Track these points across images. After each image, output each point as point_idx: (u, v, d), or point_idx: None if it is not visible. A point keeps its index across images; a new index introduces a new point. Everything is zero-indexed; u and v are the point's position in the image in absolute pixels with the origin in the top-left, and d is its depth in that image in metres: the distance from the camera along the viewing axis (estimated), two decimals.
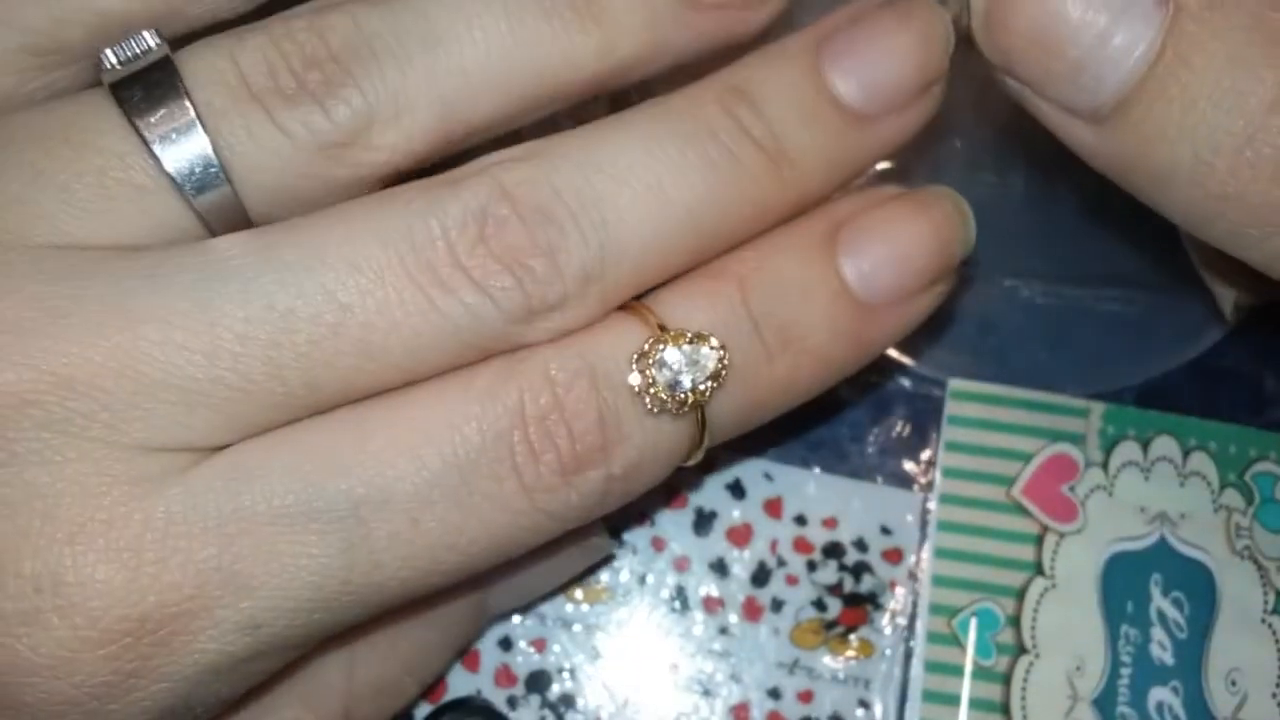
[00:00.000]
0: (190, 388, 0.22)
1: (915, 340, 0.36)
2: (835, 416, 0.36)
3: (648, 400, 0.25)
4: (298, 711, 0.27)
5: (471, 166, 0.24)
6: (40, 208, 0.22)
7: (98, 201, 0.23)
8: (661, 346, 0.25)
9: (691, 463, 0.27)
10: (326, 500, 0.23)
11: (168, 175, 0.23)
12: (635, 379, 0.25)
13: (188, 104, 0.23)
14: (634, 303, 0.25)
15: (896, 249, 0.26)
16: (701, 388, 0.25)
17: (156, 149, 0.23)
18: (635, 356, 0.25)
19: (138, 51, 0.23)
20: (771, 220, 0.26)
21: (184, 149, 0.23)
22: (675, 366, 0.25)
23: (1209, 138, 0.23)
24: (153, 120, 0.23)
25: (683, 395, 0.25)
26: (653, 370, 0.25)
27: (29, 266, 0.22)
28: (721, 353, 0.25)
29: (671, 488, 0.35)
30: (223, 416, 0.23)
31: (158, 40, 0.24)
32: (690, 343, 0.25)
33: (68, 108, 0.24)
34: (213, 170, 0.23)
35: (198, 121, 0.23)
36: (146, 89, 0.23)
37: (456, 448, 0.23)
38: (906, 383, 0.36)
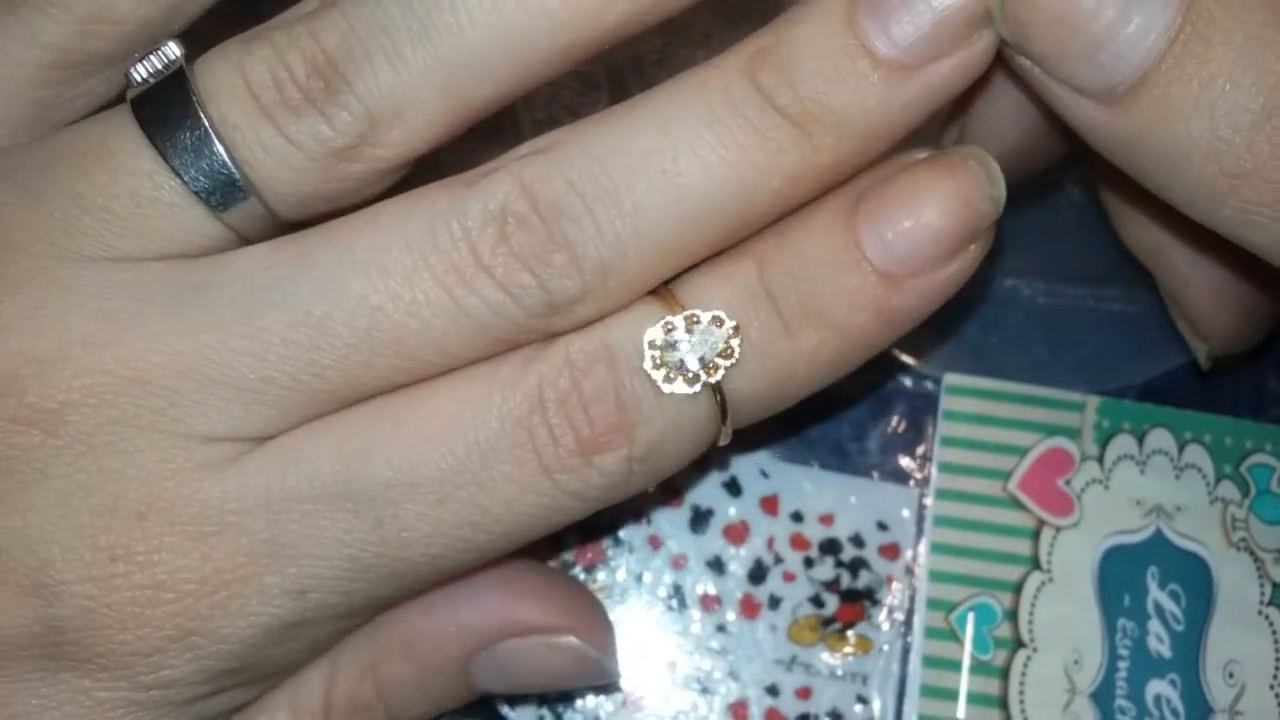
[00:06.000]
0: (244, 386, 0.24)
1: (917, 340, 0.36)
2: (831, 413, 0.36)
3: (661, 381, 0.25)
4: (286, 713, 0.28)
5: (494, 164, 0.25)
6: (86, 227, 0.25)
7: (135, 220, 0.25)
8: (672, 327, 0.25)
9: (722, 442, 0.27)
10: (360, 482, 0.25)
11: (200, 198, 0.25)
12: (650, 361, 0.25)
13: (204, 122, 0.24)
14: (658, 285, 0.26)
15: (918, 215, 0.25)
16: (712, 366, 0.25)
17: (179, 168, 0.24)
18: (649, 339, 0.25)
19: (159, 67, 0.25)
20: (806, 191, 0.25)
21: (204, 167, 0.24)
22: (684, 346, 0.25)
23: (1228, 114, 0.23)
24: (173, 139, 0.24)
25: (692, 374, 0.25)
26: (665, 352, 0.25)
27: (92, 281, 0.24)
28: (731, 331, 0.25)
29: (669, 485, 0.35)
30: (274, 410, 0.25)
31: (177, 52, 0.25)
32: (700, 323, 0.25)
33: (98, 128, 0.25)
34: (236, 184, 0.24)
35: (215, 140, 0.24)
36: (165, 107, 0.24)
37: (479, 433, 0.25)
38: (903, 378, 0.36)
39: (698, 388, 0.25)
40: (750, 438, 0.35)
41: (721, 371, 0.25)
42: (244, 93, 0.24)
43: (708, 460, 0.35)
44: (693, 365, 0.25)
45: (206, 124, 0.24)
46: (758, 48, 0.25)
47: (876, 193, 0.25)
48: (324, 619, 0.26)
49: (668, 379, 0.25)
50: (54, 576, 0.24)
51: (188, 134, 0.24)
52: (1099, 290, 0.36)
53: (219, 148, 0.24)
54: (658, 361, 0.25)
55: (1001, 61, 0.28)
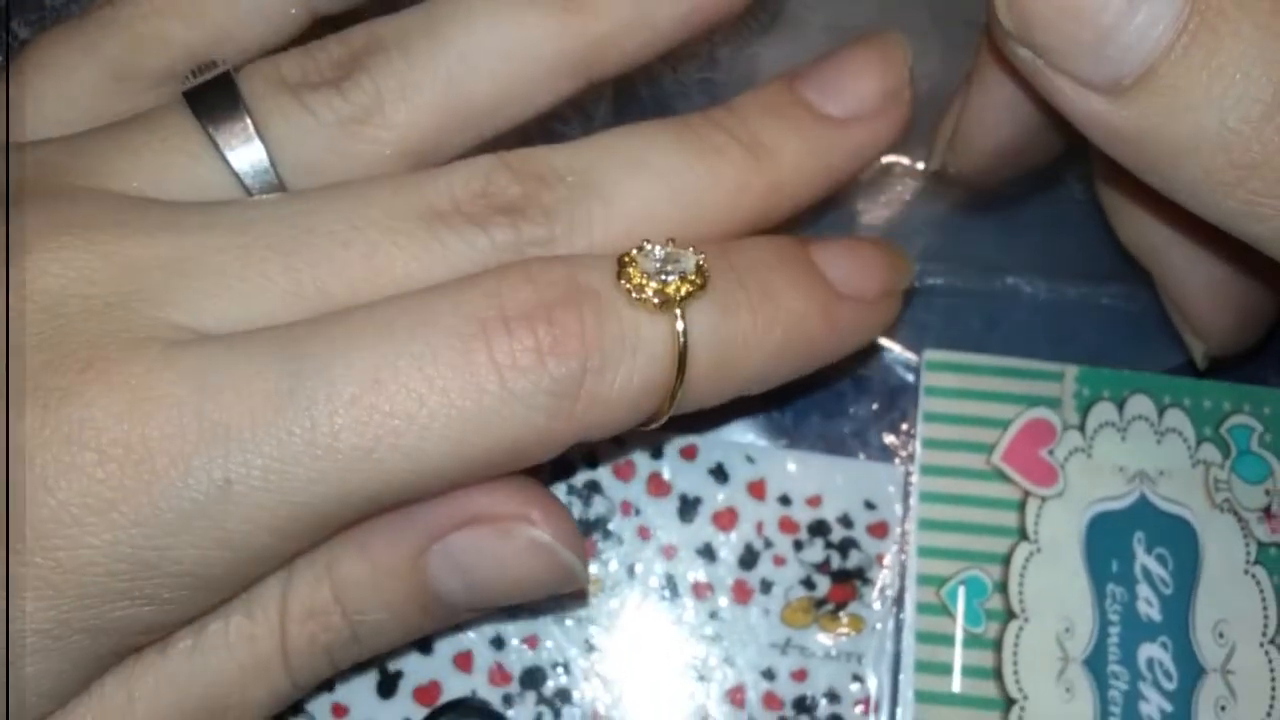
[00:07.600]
0: (219, 278, 0.26)
1: (919, 339, 0.36)
2: (814, 393, 0.36)
3: (629, 288, 0.26)
4: (241, 619, 0.27)
5: None
6: (117, 166, 0.27)
7: (160, 165, 0.28)
8: (643, 249, 0.27)
9: (673, 404, 0.27)
10: (298, 360, 0.25)
11: (217, 148, 0.28)
12: (617, 272, 0.26)
13: (237, 92, 0.28)
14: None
15: (855, 251, 0.30)
16: (681, 279, 0.26)
17: (206, 125, 0.28)
18: (620, 257, 0.27)
19: (209, 78, 0.29)
20: (751, 202, 0.29)
21: (230, 127, 0.28)
22: (658, 258, 0.27)
23: (1237, 105, 0.23)
24: (209, 109, 0.28)
25: (659, 284, 0.26)
26: (636, 261, 0.26)
27: (105, 202, 0.27)
28: (701, 262, 0.27)
29: (655, 475, 0.35)
30: (241, 306, 0.26)
31: (225, 67, 0.29)
32: (672, 247, 0.27)
33: (153, 110, 0.29)
34: (253, 143, 0.28)
35: (242, 106, 0.28)
36: (209, 89, 0.28)
37: (426, 317, 0.25)
38: (884, 356, 0.36)
39: (659, 301, 0.26)
40: (733, 425, 0.35)
41: (685, 290, 0.26)
42: (275, 76, 0.28)
43: (694, 450, 0.35)
44: (662, 279, 0.26)
45: (238, 95, 0.28)
46: (716, 108, 0.30)
47: (821, 238, 0.30)
48: (250, 524, 0.25)
49: (637, 287, 0.26)
50: None
51: (220, 104, 0.28)
52: (1101, 288, 0.37)
53: (243, 111, 0.28)
54: (630, 274, 0.26)
55: (995, 56, 0.28)
